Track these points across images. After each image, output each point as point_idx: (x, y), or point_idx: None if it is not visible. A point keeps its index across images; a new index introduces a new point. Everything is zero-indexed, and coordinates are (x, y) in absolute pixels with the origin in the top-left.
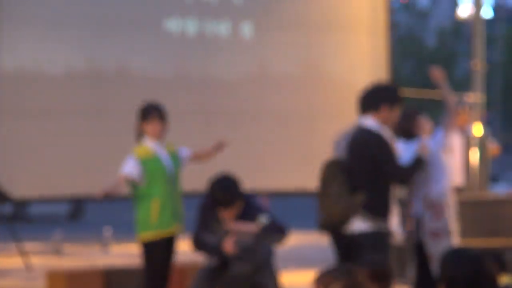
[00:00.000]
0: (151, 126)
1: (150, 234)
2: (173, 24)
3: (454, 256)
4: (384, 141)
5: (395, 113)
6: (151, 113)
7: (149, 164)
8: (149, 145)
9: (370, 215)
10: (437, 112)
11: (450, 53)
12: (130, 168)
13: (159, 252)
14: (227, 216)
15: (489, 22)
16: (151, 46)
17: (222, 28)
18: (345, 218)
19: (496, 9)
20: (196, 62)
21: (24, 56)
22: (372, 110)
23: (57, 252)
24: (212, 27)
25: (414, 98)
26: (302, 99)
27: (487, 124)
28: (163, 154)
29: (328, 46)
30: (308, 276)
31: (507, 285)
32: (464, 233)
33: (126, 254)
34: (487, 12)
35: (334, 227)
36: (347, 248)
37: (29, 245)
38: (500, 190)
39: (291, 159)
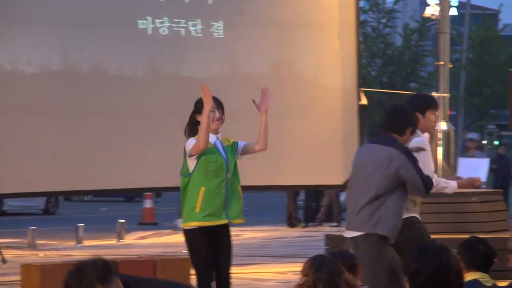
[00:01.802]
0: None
1: (193, 223)
2: (146, 24)
3: (419, 249)
4: None
5: None
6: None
7: (205, 153)
8: (203, 130)
9: None
10: None
11: (417, 52)
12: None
13: (199, 240)
14: None
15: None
16: (125, 45)
17: (194, 27)
18: None
19: (462, 8)
20: (169, 61)
21: (0, 54)
22: None
23: (32, 245)
24: (184, 26)
25: (381, 97)
26: (273, 98)
27: (451, 121)
28: (219, 146)
29: (298, 45)
30: (276, 269)
31: (475, 280)
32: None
33: (99, 247)
34: (453, 11)
35: None
36: None
37: (3, 239)
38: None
39: (262, 156)
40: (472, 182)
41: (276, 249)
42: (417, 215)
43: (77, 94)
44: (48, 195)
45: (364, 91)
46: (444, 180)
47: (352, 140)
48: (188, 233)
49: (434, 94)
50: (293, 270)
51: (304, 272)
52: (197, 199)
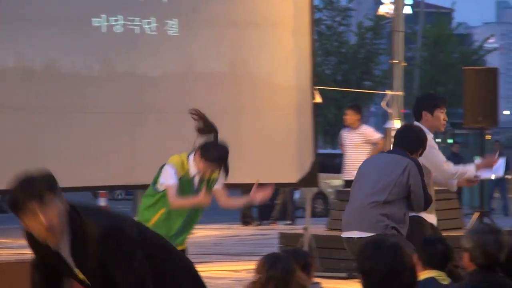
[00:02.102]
0: (204, 166)
1: None
2: (100, 22)
3: (372, 246)
4: None
5: None
6: (213, 162)
7: (181, 182)
8: (190, 163)
9: None
10: None
11: (371, 50)
12: (174, 179)
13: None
14: None
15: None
16: (79, 43)
17: (149, 26)
18: None
19: (416, 6)
20: (124, 60)
21: None
22: None
23: None
24: (139, 25)
25: (336, 96)
26: (227, 95)
27: (406, 119)
28: (196, 181)
29: (253, 44)
30: (230, 267)
31: (431, 278)
32: None
33: None
34: (407, 10)
35: None
36: None
37: None
38: None
39: None
40: (490, 163)
41: (230, 247)
42: (423, 215)
43: (30, 92)
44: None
45: (319, 89)
46: (461, 166)
47: (306, 138)
48: None
49: (388, 92)
50: (247, 268)
51: (257, 270)
52: (153, 216)
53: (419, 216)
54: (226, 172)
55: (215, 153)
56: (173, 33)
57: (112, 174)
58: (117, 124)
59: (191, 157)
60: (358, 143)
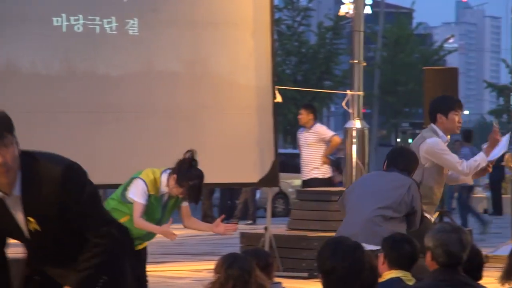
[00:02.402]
0: (176, 189)
1: None
2: (61, 21)
3: (331, 246)
4: None
5: None
6: (185, 187)
7: (149, 199)
8: (163, 182)
9: None
10: (318, 109)
11: (331, 50)
12: (144, 198)
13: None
14: None
15: (369, 19)
16: (40, 42)
17: (109, 25)
18: None
19: (376, 6)
20: (84, 58)
21: None
22: None
23: None
24: (99, 24)
25: (296, 96)
26: (188, 95)
27: (366, 119)
28: (163, 201)
29: (213, 43)
30: (191, 267)
31: (397, 278)
32: None
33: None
34: (367, 10)
35: None
36: None
37: None
38: None
39: (177, 154)
40: (495, 141)
41: (191, 247)
42: (429, 216)
43: None
44: None
45: (279, 89)
46: (472, 159)
47: (267, 137)
48: None
49: (349, 92)
50: (208, 268)
51: (216, 270)
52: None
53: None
54: (198, 198)
55: (191, 181)
56: (134, 32)
57: None
58: (77, 123)
59: (164, 176)
60: (312, 143)
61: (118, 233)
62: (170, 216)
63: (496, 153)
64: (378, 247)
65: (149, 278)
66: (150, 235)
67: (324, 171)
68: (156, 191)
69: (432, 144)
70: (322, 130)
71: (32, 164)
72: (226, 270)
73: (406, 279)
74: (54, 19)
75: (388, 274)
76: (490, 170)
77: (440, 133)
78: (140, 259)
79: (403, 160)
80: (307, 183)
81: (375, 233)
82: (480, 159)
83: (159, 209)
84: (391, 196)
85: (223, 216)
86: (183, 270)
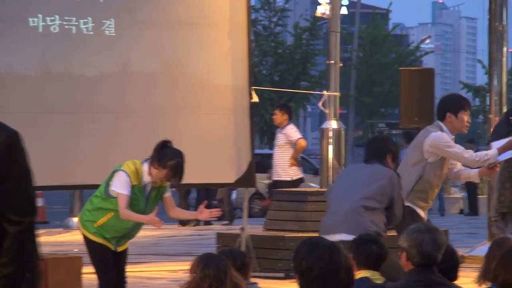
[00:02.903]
0: (158, 173)
1: (91, 235)
2: (37, 21)
3: (308, 246)
4: None
5: None
6: (168, 168)
7: (133, 190)
8: (144, 171)
9: None
10: (294, 109)
11: (308, 51)
12: (127, 189)
13: (99, 251)
14: None
15: (345, 20)
16: (16, 42)
17: (85, 26)
18: None
19: (352, 7)
20: (60, 59)
21: None
22: None
23: None
24: (75, 25)
25: (272, 96)
26: (164, 95)
27: (342, 119)
28: (147, 188)
29: (189, 44)
30: (168, 267)
31: (366, 278)
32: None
33: None
34: (343, 10)
35: None
36: None
37: None
38: None
39: None
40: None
41: (167, 248)
42: (417, 209)
43: None
44: None
45: (255, 89)
46: (483, 152)
47: (244, 138)
48: (85, 239)
49: (325, 93)
50: (184, 268)
51: (192, 270)
52: (101, 218)
53: (412, 208)
54: (181, 178)
55: (172, 160)
56: (110, 33)
57: (48, 174)
58: (54, 124)
59: (145, 165)
60: (281, 144)
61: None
62: (154, 207)
63: (506, 155)
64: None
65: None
66: (133, 232)
67: (292, 173)
68: (138, 181)
69: (437, 137)
70: (290, 132)
71: None
72: (202, 269)
73: (374, 279)
74: (30, 19)
75: (357, 274)
76: (498, 170)
77: (446, 130)
78: (122, 259)
79: (377, 150)
80: (275, 184)
81: (357, 223)
82: (491, 154)
83: (143, 200)
84: (373, 187)
85: (205, 202)
86: (160, 271)
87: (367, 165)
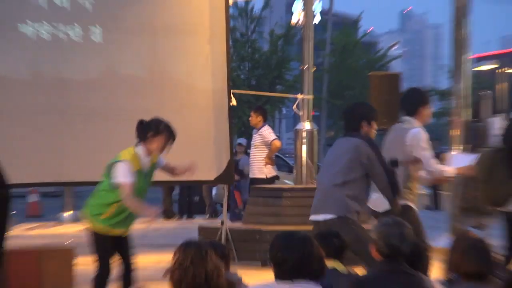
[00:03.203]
0: (158, 143)
1: (99, 227)
2: (27, 27)
3: (283, 238)
4: None
5: None
6: (164, 131)
7: (136, 175)
8: (141, 154)
9: None
10: (270, 111)
11: (283, 57)
12: (130, 177)
13: (103, 242)
14: None
15: (318, 27)
16: (7, 47)
17: (74, 32)
18: (508, 199)
19: (325, 15)
20: (51, 64)
21: None
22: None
23: None
24: (65, 31)
25: (250, 99)
26: (149, 98)
27: (315, 121)
28: (146, 168)
29: (172, 50)
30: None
31: (332, 268)
32: (297, 218)
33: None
34: (316, 19)
35: (497, 205)
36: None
37: None
38: None
39: None
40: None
41: (152, 240)
42: (410, 204)
43: None
44: None
45: (234, 93)
46: (443, 168)
47: (223, 138)
48: (92, 231)
49: (299, 96)
50: (168, 259)
51: (175, 254)
52: (108, 209)
53: (406, 204)
54: (175, 136)
55: (161, 124)
56: (97, 39)
57: (42, 172)
58: (46, 124)
59: (140, 148)
60: (257, 144)
61: None
62: (150, 182)
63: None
64: (334, 216)
65: (114, 269)
66: (131, 220)
67: (267, 172)
68: (139, 165)
69: (417, 135)
70: (265, 134)
71: None
72: (183, 250)
73: (340, 269)
74: (20, 25)
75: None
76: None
77: (418, 125)
78: (127, 244)
79: (349, 121)
80: (252, 181)
81: (334, 201)
82: (449, 173)
83: (143, 180)
84: (339, 163)
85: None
86: (146, 262)
87: (342, 139)
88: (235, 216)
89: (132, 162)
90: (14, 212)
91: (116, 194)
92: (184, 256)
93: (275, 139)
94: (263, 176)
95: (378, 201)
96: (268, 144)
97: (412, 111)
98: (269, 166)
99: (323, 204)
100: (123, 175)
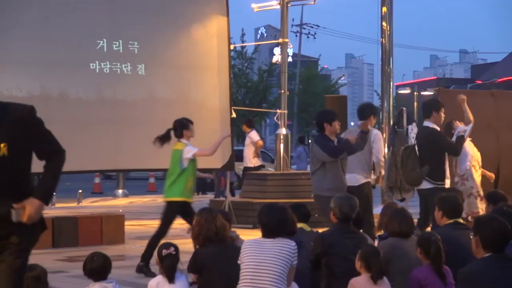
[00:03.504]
0: (191, 131)
1: (178, 198)
2: (95, 65)
3: (267, 208)
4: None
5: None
6: (189, 121)
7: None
8: (189, 143)
9: (432, 179)
10: (258, 121)
11: (267, 84)
12: (194, 148)
13: (175, 210)
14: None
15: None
16: (83, 78)
17: (126, 68)
18: (419, 181)
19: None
20: (110, 89)
21: None
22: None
23: None
24: (119, 67)
25: (245, 113)
26: (177, 114)
27: (289, 128)
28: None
29: (192, 80)
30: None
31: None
32: (277, 194)
33: (66, 208)
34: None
35: (412, 185)
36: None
37: None
38: (295, 169)
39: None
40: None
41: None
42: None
43: None
44: None
45: (234, 109)
46: (382, 165)
47: (227, 139)
48: (170, 202)
49: (278, 111)
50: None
51: (196, 216)
52: (184, 187)
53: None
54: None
55: (183, 118)
56: (141, 73)
57: (103, 161)
58: (104, 130)
59: (182, 140)
60: (248, 143)
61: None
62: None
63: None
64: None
65: (150, 229)
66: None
67: (255, 162)
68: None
69: (379, 134)
70: (253, 136)
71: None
72: (200, 214)
73: (305, 228)
74: (91, 64)
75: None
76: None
77: (371, 128)
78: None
79: (316, 123)
80: (245, 169)
81: (315, 184)
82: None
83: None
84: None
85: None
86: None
87: None
88: (219, 193)
89: (186, 144)
90: (81, 191)
91: (186, 172)
92: (200, 217)
93: (259, 140)
94: (252, 165)
95: (350, 179)
96: (255, 143)
97: (365, 116)
98: (255, 158)
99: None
100: (190, 151)
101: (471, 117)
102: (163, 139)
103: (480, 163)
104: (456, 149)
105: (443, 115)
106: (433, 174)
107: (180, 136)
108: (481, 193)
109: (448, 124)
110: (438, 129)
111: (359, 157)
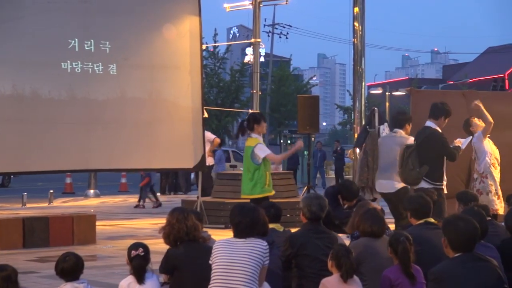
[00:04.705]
0: (262, 127)
1: (260, 195)
2: (66, 65)
3: (238, 208)
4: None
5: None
6: (262, 118)
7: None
8: (260, 138)
9: (430, 180)
10: (230, 121)
11: (239, 84)
12: (267, 150)
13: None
14: None
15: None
16: (53, 79)
17: (98, 67)
18: (418, 181)
19: (267, 56)
20: (81, 88)
21: None
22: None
23: None
24: (91, 67)
25: (217, 113)
26: (149, 113)
27: None
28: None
29: (164, 79)
30: (149, 222)
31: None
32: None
33: (36, 208)
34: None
35: (410, 185)
36: None
37: None
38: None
39: (143, 150)
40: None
41: (149, 209)
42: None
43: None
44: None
45: (206, 108)
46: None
47: (198, 139)
48: (252, 200)
49: (250, 111)
50: (160, 222)
51: (167, 217)
52: (265, 180)
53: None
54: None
55: (251, 114)
56: (113, 72)
57: (74, 162)
58: (75, 130)
59: (253, 134)
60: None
61: None
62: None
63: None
64: None
65: (120, 229)
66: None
67: (209, 161)
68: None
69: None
70: (208, 135)
71: None
72: (171, 213)
73: (278, 228)
74: (62, 63)
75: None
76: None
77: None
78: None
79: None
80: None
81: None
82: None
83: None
84: None
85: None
86: (144, 223)
87: None
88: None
89: (258, 141)
90: (52, 191)
91: (262, 167)
92: (172, 217)
93: (215, 138)
94: (208, 164)
95: (387, 185)
96: (211, 142)
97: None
98: (210, 157)
99: None
100: (263, 151)
101: (490, 118)
102: (239, 130)
103: (499, 160)
104: (454, 155)
105: (446, 122)
106: (432, 174)
107: (251, 129)
108: (499, 192)
109: (466, 121)
110: (440, 130)
111: (393, 162)
